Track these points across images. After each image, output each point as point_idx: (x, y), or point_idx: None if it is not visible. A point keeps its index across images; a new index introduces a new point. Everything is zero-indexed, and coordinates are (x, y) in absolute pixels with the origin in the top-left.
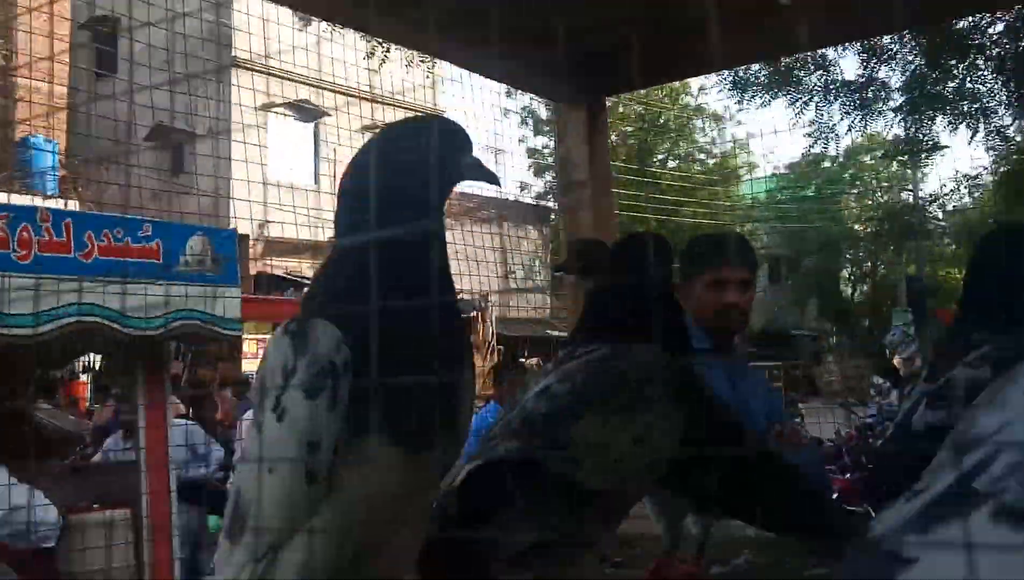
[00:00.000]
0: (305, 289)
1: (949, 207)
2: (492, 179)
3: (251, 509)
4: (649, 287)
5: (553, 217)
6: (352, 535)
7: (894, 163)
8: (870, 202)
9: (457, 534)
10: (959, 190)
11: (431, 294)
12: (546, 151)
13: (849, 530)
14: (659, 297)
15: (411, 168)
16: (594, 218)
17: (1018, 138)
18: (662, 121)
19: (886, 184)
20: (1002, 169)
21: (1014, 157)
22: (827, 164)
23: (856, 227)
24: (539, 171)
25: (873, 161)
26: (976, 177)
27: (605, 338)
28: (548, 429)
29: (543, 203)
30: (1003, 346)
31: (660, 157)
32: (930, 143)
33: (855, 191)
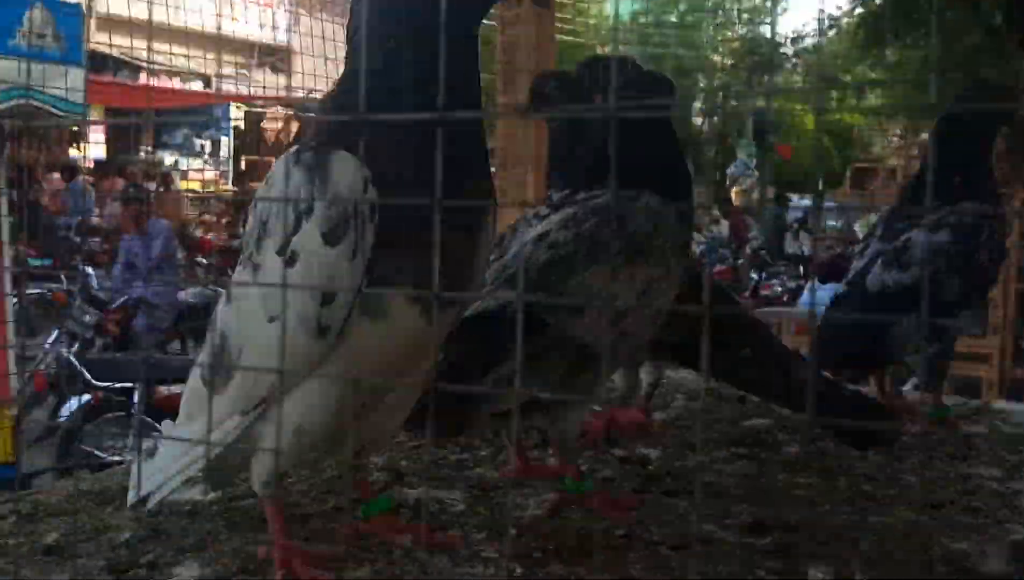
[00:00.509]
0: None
1: (806, 44)
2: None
3: (241, 356)
4: (652, 124)
5: None
6: (354, 390)
7: None
8: (729, 33)
9: (452, 387)
10: (820, 30)
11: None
12: None
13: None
14: (660, 136)
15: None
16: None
17: None
18: None
19: (747, 15)
20: (860, 11)
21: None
22: None
23: (713, 57)
24: None
25: None
26: (838, 19)
27: (606, 182)
28: (550, 279)
29: None
30: (961, 211)
31: None
32: None
33: (716, 21)
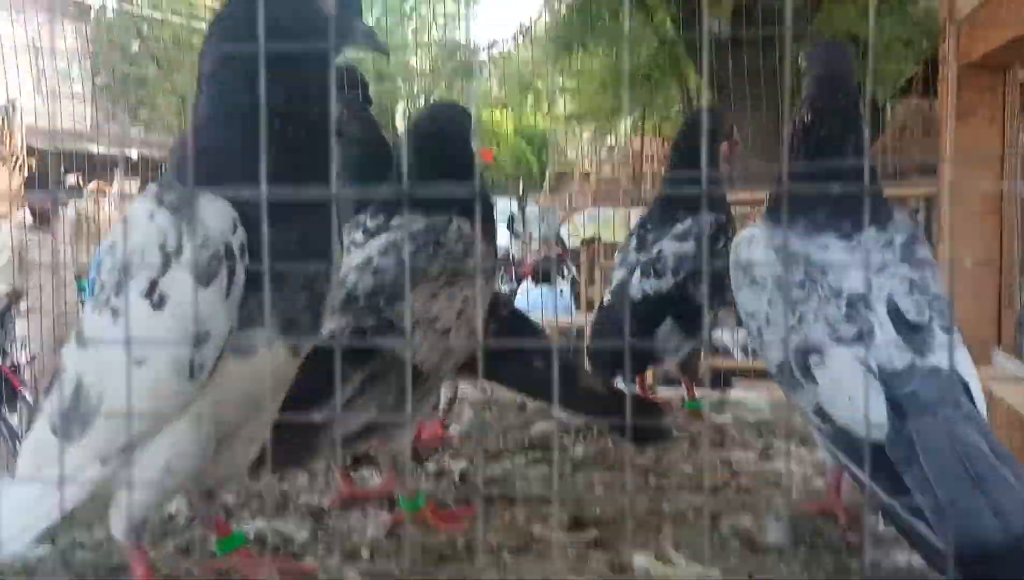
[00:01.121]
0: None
1: (500, 52)
2: (383, 50)
3: (101, 404)
4: (459, 155)
5: (94, 14)
6: (220, 428)
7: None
8: (426, 37)
9: (292, 417)
10: (516, 38)
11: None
12: None
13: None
14: (464, 163)
15: (303, 26)
16: None
17: None
18: None
19: (442, 20)
20: (547, 21)
21: (563, 12)
22: None
23: (411, 61)
24: None
25: None
26: (529, 27)
27: (421, 207)
28: (377, 305)
29: None
30: (701, 222)
31: None
32: None
33: (413, 25)
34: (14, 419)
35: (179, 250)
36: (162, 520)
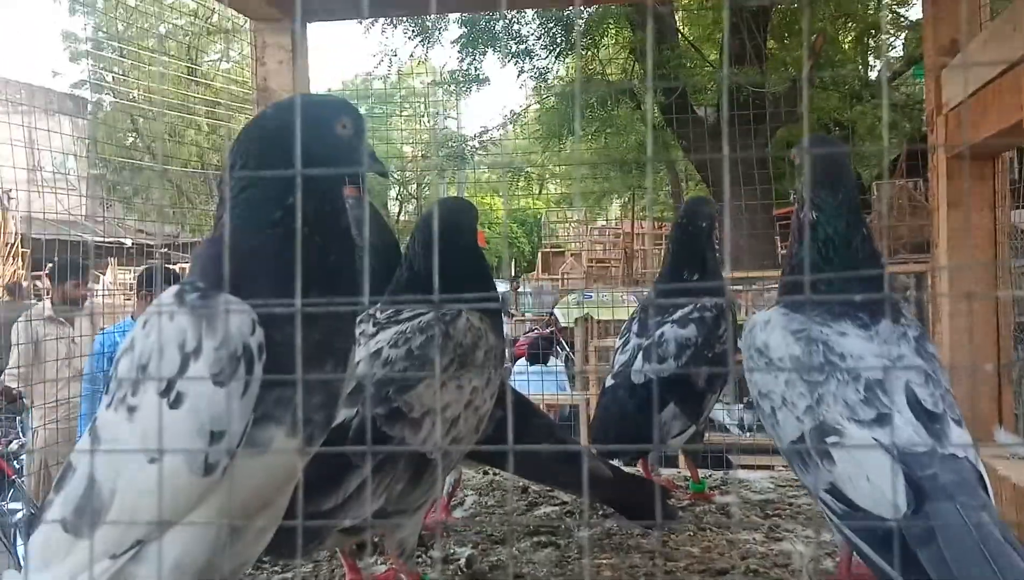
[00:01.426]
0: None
1: (491, 137)
2: (385, 174)
3: (113, 501)
4: (464, 249)
5: (89, 108)
6: (232, 522)
7: (440, 91)
8: (418, 126)
9: (306, 507)
10: (504, 125)
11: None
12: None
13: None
14: (472, 259)
15: (322, 147)
16: None
17: (555, 82)
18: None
19: (433, 110)
20: (536, 107)
21: (552, 99)
22: (378, 84)
23: (405, 149)
24: (74, 57)
25: (423, 86)
26: (520, 113)
27: (430, 301)
28: (388, 394)
29: (78, 93)
30: (704, 307)
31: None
32: (479, 76)
33: (405, 113)
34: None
35: (197, 350)
36: None
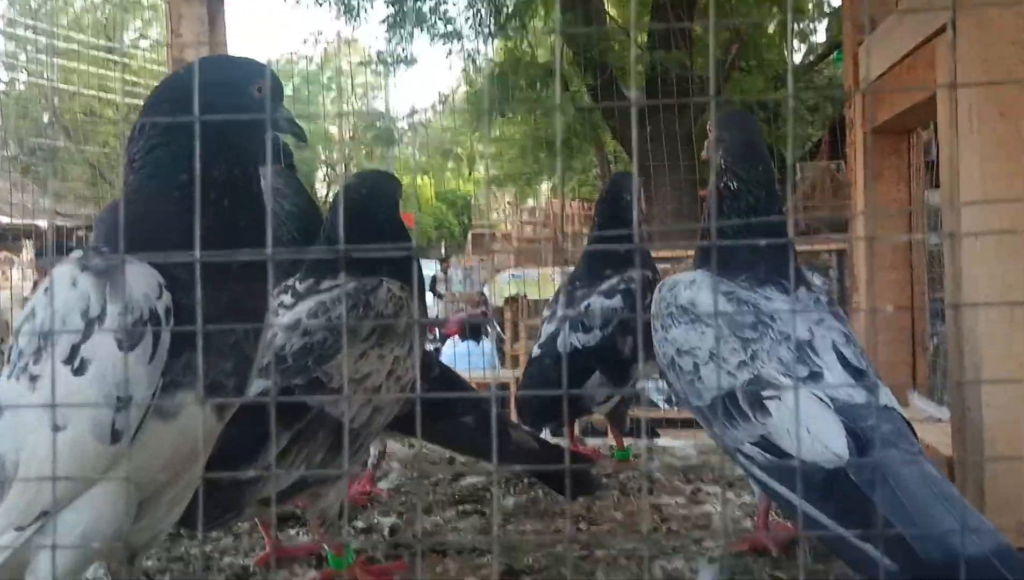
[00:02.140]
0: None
1: (421, 118)
2: (303, 138)
3: (19, 470)
4: (389, 220)
5: (2, 87)
6: (142, 491)
7: (367, 71)
8: (345, 107)
9: (222, 475)
10: (433, 107)
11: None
12: None
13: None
14: (395, 230)
15: (236, 108)
16: None
17: (483, 64)
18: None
19: (361, 91)
20: (466, 90)
21: (479, 80)
22: (303, 64)
23: (332, 130)
24: None
25: (349, 66)
26: (449, 95)
27: (350, 271)
28: (307, 365)
29: None
30: (628, 278)
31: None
32: (407, 57)
33: (332, 94)
34: None
35: (101, 315)
36: None
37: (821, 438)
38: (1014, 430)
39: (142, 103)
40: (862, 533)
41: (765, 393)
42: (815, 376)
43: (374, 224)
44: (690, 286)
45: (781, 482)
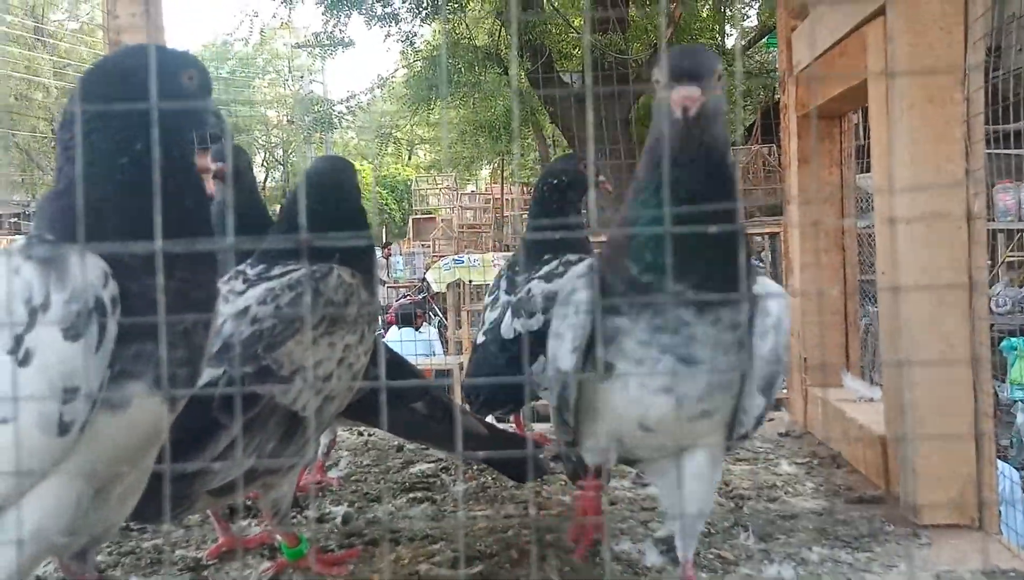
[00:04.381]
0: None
1: (359, 102)
2: (223, 134)
3: None
4: (346, 206)
5: None
6: (93, 484)
7: (304, 54)
8: (282, 90)
9: (171, 467)
10: (371, 90)
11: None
12: None
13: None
14: (351, 217)
15: (168, 95)
16: None
17: (421, 46)
18: None
19: (298, 74)
20: (404, 73)
21: (417, 64)
22: (240, 47)
23: (269, 113)
24: None
25: (286, 49)
26: (387, 78)
27: (301, 258)
28: (256, 353)
29: None
30: (569, 262)
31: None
32: (344, 39)
33: (268, 77)
34: None
35: (45, 305)
36: None
37: None
38: (944, 409)
39: (73, 85)
40: None
41: None
42: None
43: (330, 211)
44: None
45: None
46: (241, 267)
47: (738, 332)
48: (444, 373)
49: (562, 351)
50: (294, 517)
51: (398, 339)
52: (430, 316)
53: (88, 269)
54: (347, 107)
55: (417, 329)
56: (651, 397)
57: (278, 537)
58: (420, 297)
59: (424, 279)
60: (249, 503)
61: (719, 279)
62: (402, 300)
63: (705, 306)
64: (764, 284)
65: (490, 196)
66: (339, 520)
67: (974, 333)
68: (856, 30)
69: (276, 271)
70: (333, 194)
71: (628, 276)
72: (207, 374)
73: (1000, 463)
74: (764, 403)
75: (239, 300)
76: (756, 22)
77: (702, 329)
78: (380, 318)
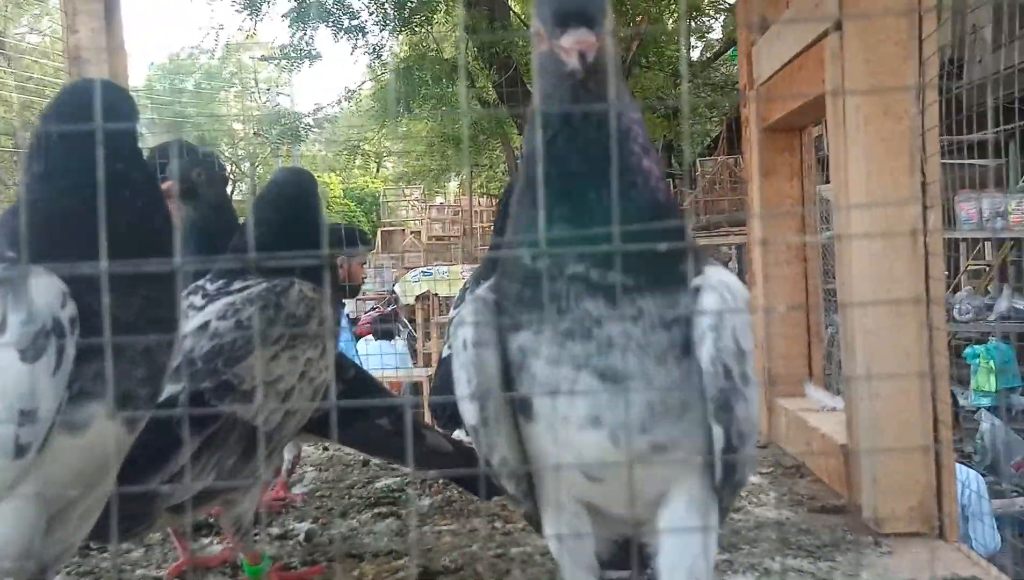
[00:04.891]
0: None
1: (326, 114)
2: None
3: None
4: (306, 220)
5: None
6: (50, 507)
7: (270, 66)
8: (249, 103)
9: (130, 489)
10: (339, 102)
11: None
12: None
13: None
14: (311, 230)
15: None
16: None
17: (388, 58)
18: None
19: (264, 86)
20: (371, 85)
21: (383, 76)
22: (205, 58)
23: (236, 126)
24: None
25: (252, 61)
26: (354, 91)
27: (261, 272)
28: (216, 367)
29: None
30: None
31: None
32: (311, 51)
33: (234, 89)
34: None
35: (3, 325)
36: None
37: None
38: (903, 419)
39: (35, 99)
40: None
41: None
42: None
43: (290, 225)
44: None
45: None
46: (200, 282)
47: (674, 332)
48: (415, 386)
49: (464, 404)
50: (257, 534)
51: (377, 352)
52: (399, 329)
53: (45, 290)
54: (314, 119)
55: (390, 341)
56: (578, 434)
57: (240, 555)
58: (389, 309)
59: (393, 291)
60: (211, 520)
61: (634, 258)
62: (371, 312)
63: (620, 294)
64: (709, 274)
65: (459, 208)
66: (302, 537)
67: (932, 344)
68: (813, 45)
69: (236, 286)
70: (286, 208)
71: (524, 272)
72: (168, 389)
73: (965, 470)
74: (721, 435)
75: (199, 315)
76: (721, 34)
77: (620, 328)
78: (351, 331)
